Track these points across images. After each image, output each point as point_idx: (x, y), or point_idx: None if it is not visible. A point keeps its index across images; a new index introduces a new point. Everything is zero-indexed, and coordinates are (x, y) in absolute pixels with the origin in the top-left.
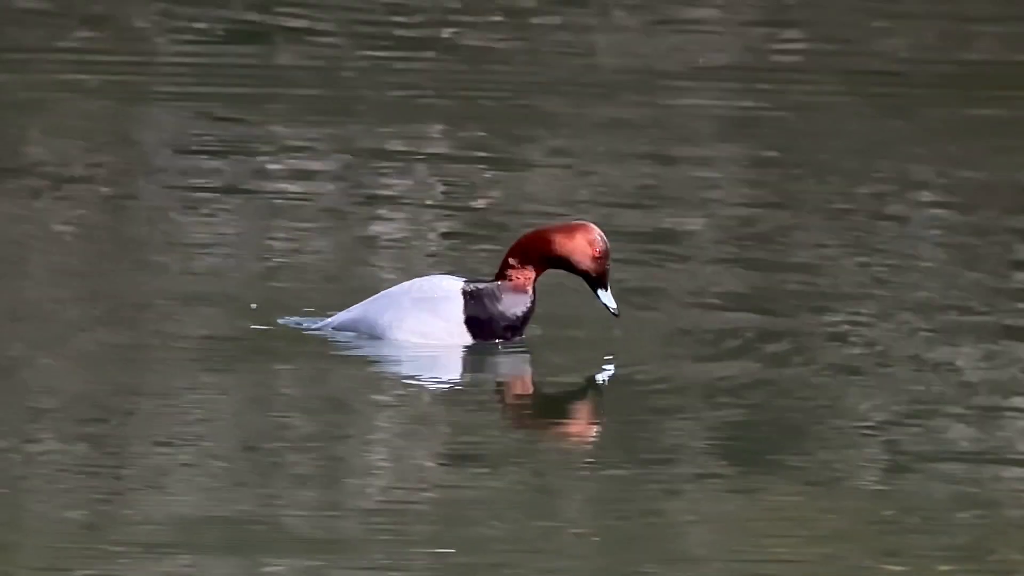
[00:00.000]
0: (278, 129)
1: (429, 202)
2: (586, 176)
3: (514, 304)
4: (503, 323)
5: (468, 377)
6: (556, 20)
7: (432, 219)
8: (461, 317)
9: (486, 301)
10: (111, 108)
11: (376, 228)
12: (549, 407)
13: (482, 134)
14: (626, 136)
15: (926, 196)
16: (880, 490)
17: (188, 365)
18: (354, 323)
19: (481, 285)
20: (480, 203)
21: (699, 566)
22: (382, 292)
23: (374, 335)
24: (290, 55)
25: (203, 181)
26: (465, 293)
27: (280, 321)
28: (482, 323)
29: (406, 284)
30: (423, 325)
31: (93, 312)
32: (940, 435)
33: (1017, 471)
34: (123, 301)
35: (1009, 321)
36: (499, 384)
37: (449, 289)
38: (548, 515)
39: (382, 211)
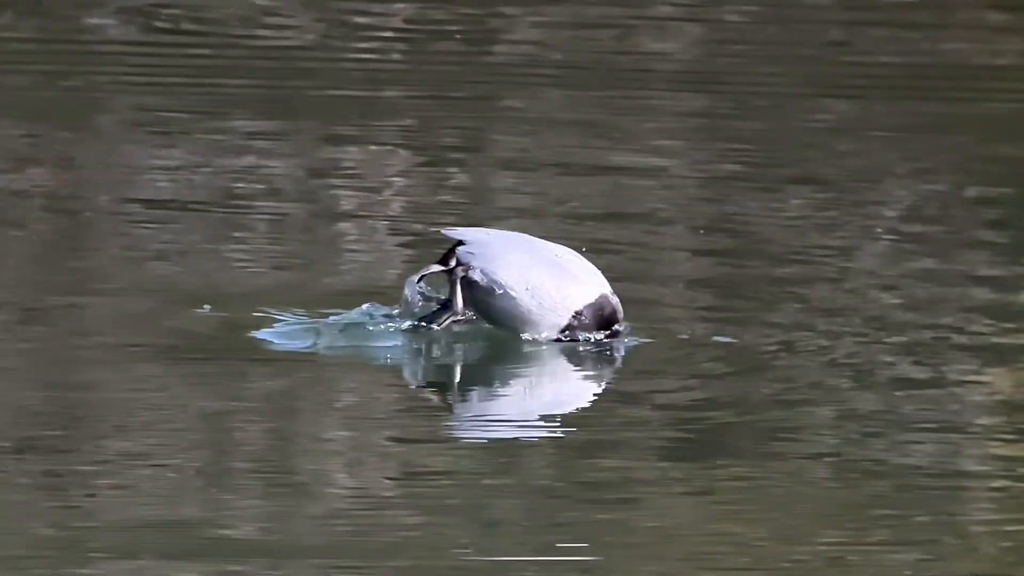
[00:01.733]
0: (230, 124)
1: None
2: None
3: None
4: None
5: (424, 377)
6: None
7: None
8: (574, 307)
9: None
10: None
11: (334, 233)
12: (504, 407)
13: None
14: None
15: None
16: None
17: (139, 367)
18: (475, 243)
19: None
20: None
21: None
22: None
23: (484, 257)
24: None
25: (150, 179)
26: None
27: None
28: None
29: (552, 246)
30: (541, 285)
31: (34, 316)
32: (898, 446)
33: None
34: (67, 304)
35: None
36: (455, 384)
37: (588, 278)
38: (504, 522)
39: (340, 220)
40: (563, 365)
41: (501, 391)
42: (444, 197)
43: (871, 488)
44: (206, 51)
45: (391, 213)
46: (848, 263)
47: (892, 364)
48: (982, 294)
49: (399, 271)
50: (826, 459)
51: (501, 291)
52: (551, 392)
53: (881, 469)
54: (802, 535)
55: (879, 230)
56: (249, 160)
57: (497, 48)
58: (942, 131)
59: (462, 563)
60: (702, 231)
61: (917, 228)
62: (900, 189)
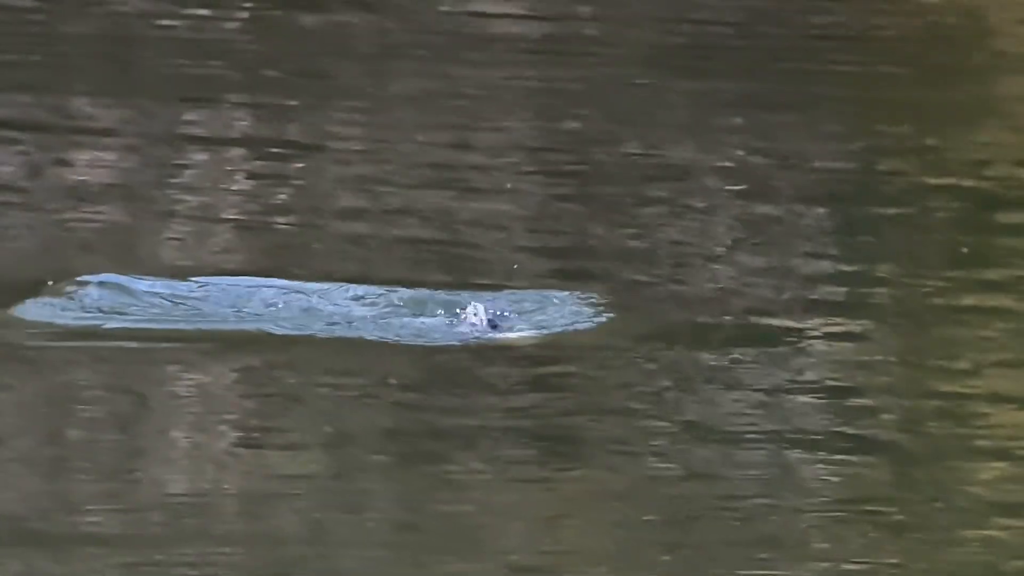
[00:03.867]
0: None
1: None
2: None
3: None
4: None
5: (262, 361)
6: None
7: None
8: None
9: None
10: None
11: (173, 208)
12: (345, 389)
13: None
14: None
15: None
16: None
17: None
18: None
19: None
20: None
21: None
22: None
23: None
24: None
25: None
26: None
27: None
28: None
29: None
30: None
31: None
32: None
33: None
34: None
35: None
36: (296, 370)
37: None
38: (349, 506)
39: (178, 192)
40: None
41: None
42: None
43: None
44: None
45: None
46: None
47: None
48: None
49: None
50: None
51: None
52: None
53: None
54: None
55: None
56: None
57: None
58: None
59: (303, 552)
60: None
61: None
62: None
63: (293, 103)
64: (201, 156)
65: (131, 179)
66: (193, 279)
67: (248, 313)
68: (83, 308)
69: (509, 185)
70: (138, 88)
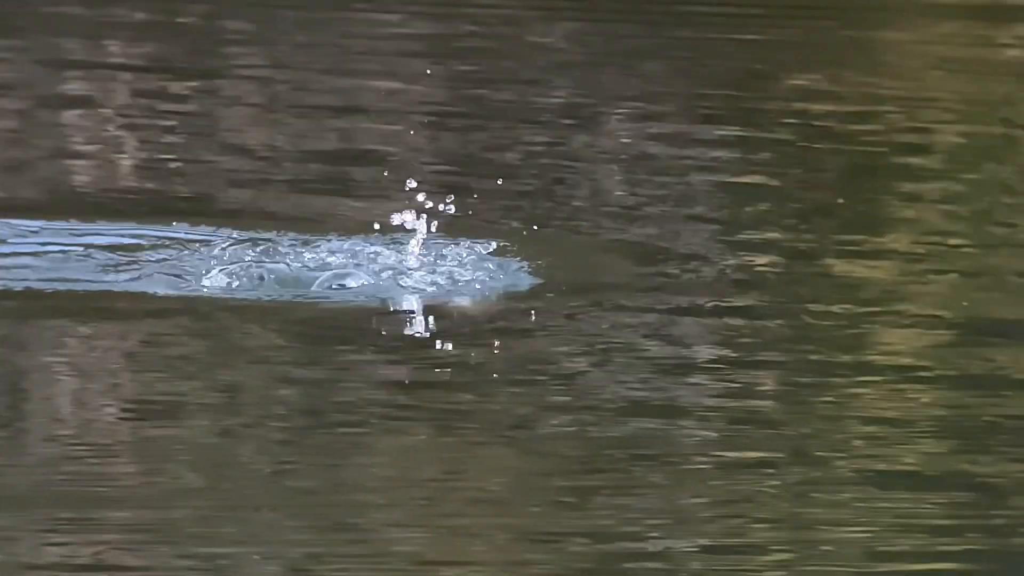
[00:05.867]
0: None
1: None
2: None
3: None
4: None
5: (153, 328)
6: None
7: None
8: None
9: None
10: None
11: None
12: (232, 353)
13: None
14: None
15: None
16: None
17: None
18: None
19: None
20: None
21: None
22: None
23: None
24: None
25: None
26: None
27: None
28: None
29: None
30: None
31: None
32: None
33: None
34: None
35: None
36: (189, 333)
37: None
38: (241, 466)
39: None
40: None
41: None
42: None
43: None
44: None
45: None
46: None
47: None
48: None
49: None
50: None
51: None
52: None
53: None
54: None
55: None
56: None
57: None
58: None
59: (200, 515)
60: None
61: None
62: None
63: None
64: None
65: None
66: None
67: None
68: None
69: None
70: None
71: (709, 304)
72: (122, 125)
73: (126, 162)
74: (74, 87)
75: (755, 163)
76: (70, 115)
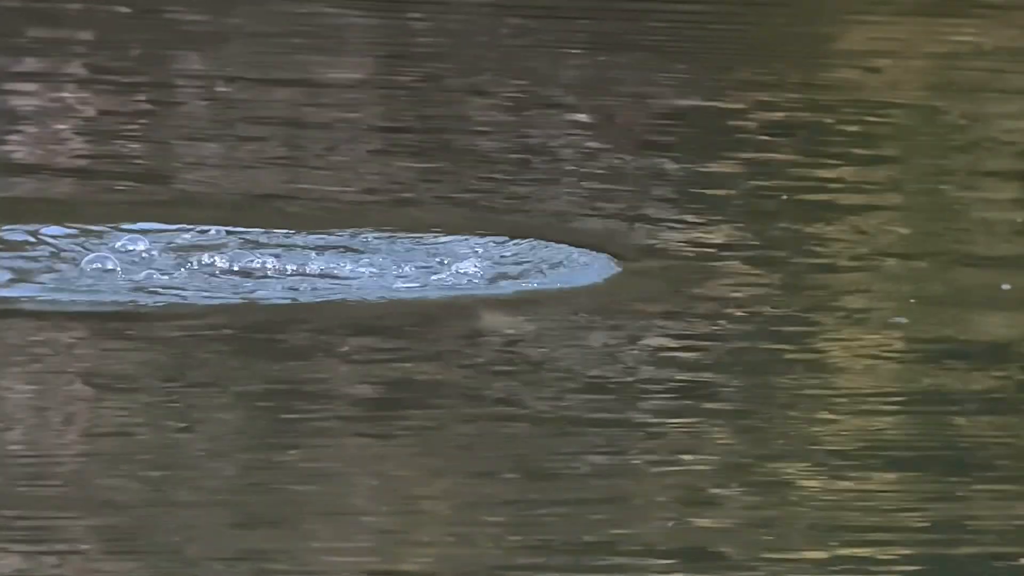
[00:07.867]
0: None
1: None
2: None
3: None
4: None
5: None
6: None
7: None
8: None
9: None
10: None
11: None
12: (188, 344)
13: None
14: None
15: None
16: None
17: None
18: None
19: None
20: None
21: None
22: None
23: None
24: None
25: None
26: None
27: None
28: None
29: None
30: None
31: None
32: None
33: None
34: None
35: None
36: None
37: None
38: (191, 463)
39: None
40: None
41: None
42: None
43: None
44: None
45: None
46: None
47: None
48: None
49: None
50: None
51: None
52: None
53: None
54: None
55: None
56: None
57: None
58: None
59: (139, 518)
60: None
61: None
62: None
63: None
64: None
65: None
66: None
67: None
68: None
69: None
70: None
71: None
72: None
73: None
74: None
75: None
76: None
